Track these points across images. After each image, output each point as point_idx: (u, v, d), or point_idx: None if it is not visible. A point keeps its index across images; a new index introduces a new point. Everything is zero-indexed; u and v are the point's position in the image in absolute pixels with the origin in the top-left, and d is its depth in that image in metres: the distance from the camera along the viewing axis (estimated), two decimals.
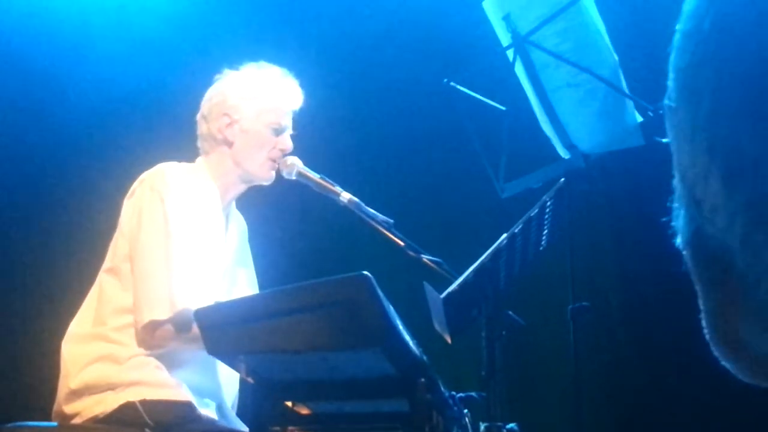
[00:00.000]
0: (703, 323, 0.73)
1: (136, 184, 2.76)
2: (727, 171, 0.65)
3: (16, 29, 3.96)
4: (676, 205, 0.75)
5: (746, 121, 0.62)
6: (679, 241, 0.75)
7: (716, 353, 0.73)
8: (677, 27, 0.71)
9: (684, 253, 0.74)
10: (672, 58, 0.69)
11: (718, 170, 0.65)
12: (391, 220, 2.67)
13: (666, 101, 0.69)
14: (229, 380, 2.81)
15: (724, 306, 0.70)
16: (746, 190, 0.63)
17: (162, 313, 2.58)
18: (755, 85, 0.62)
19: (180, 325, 2.59)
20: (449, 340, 2.17)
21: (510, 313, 2.26)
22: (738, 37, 0.63)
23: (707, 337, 0.71)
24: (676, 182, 0.74)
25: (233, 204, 2.91)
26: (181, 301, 2.57)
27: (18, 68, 3.94)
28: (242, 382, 2.81)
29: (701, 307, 0.72)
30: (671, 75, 0.68)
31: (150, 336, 2.62)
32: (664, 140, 0.72)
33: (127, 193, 2.78)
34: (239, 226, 2.94)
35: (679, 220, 0.75)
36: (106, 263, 2.76)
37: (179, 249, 2.63)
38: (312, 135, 3.01)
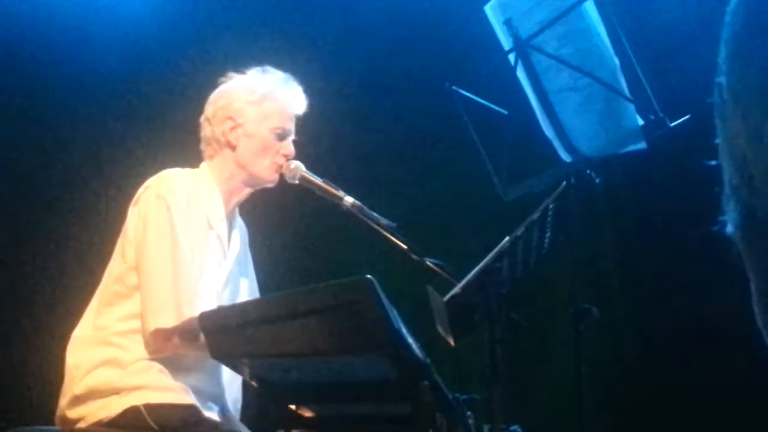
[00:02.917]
0: (757, 311, 0.74)
1: (140, 191, 2.76)
2: None
3: (16, 29, 3.95)
4: (726, 192, 0.77)
5: None
6: (729, 229, 0.76)
7: None
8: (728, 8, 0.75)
9: (736, 237, 0.76)
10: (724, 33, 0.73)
11: None
12: (394, 224, 2.68)
13: (716, 79, 0.72)
14: (232, 384, 2.81)
15: None
16: None
17: (168, 321, 2.59)
18: None
19: (187, 332, 2.60)
20: (453, 343, 2.17)
21: (513, 315, 2.27)
22: None
23: (762, 324, 0.72)
24: (725, 166, 0.76)
25: (237, 210, 2.92)
26: (188, 309, 2.58)
27: (21, 73, 3.94)
28: (245, 386, 2.81)
29: (755, 295, 0.72)
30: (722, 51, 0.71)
31: (157, 343, 2.63)
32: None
33: (131, 199, 2.78)
34: (242, 232, 2.95)
35: (729, 208, 0.77)
36: (111, 269, 2.77)
37: (185, 257, 2.64)
38: (315, 139, 3.01)
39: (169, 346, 2.63)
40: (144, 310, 2.63)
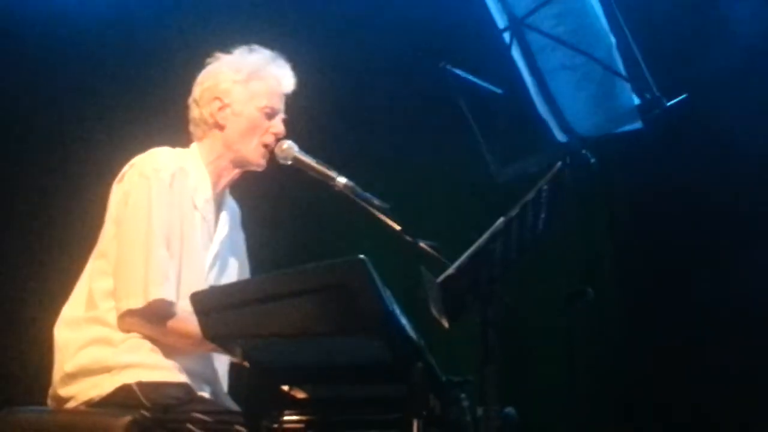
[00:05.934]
0: None
1: (126, 168, 2.75)
2: None
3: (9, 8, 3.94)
4: None
5: None
6: None
7: None
8: None
9: None
10: None
11: None
12: (388, 205, 2.67)
13: None
14: (224, 365, 2.81)
15: None
16: None
17: (137, 302, 2.59)
18: None
19: (152, 316, 2.60)
20: (446, 325, 2.16)
21: (506, 297, 2.26)
22: None
23: None
24: None
25: (227, 191, 2.90)
26: (155, 291, 2.58)
27: (7, 56, 3.92)
28: (232, 367, 2.81)
29: None
30: None
31: (127, 325, 2.63)
32: None
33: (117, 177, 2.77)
34: (232, 213, 2.92)
35: None
36: (97, 247, 2.76)
37: (159, 240, 2.63)
38: (307, 119, 3.00)
39: (138, 328, 2.63)
40: (116, 289, 2.63)
